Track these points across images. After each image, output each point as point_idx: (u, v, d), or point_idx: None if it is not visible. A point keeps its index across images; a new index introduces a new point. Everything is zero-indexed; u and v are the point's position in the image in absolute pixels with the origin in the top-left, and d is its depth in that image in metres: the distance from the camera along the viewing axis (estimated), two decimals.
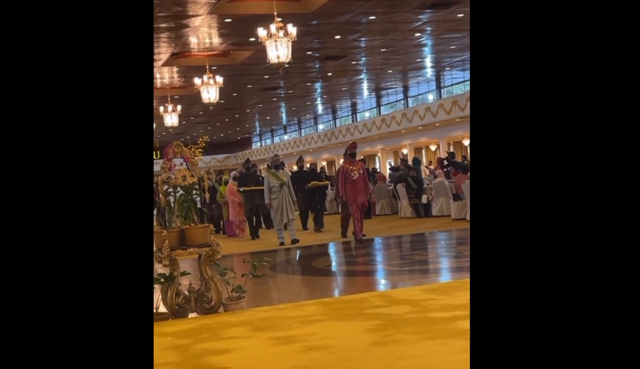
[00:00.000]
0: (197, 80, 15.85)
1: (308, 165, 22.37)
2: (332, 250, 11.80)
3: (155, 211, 6.77)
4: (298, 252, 11.45)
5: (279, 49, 11.35)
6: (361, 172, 11.41)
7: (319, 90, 25.04)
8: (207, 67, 15.76)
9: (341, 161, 20.68)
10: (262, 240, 13.90)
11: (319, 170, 18.77)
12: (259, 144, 42.57)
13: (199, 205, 6.64)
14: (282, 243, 12.38)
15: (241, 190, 14.47)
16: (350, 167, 11.41)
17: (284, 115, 32.76)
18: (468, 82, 24.64)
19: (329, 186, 17.49)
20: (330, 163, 35.57)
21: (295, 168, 16.26)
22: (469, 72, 23.14)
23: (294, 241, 12.38)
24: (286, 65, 11.83)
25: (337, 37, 15.27)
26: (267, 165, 14.13)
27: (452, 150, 26.00)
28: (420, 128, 26.74)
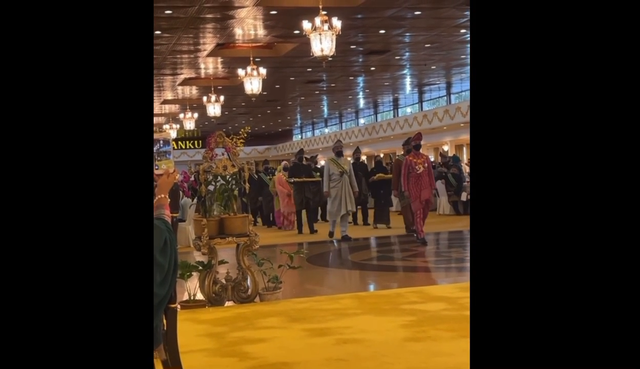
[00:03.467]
0: (240, 71, 15.90)
1: (381, 155, 21.94)
2: (371, 244, 11.77)
3: (196, 200, 6.83)
4: (337, 245, 11.42)
5: (323, 42, 11.31)
6: (426, 165, 10.51)
7: (361, 84, 24.94)
8: (251, 59, 15.81)
9: (390, 154, 20.61)
10: (315, 232, 13.25)
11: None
12: (299, 137, 42.62)
13: (239, 195, 6.67)
14: (331, 235, 11.77)
15: (292, 181, 13.82)
16: (415, 160, 10.48)
17: (325, 109, 32.72)
18: None
19: None
20: (370, 157, 35.49)
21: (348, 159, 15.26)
22: None
23: (345, 238, 11.65)
24: (329, 59, 11.79)
25: (382, 31, 15.19)
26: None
27: None
28: (462, 125, 26.49)
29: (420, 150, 10.90)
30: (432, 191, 10.85)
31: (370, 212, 15.12)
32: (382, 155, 21.06)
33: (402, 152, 12.34)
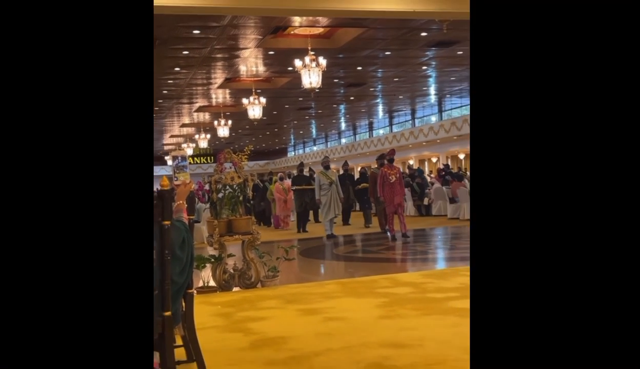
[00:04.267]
0: (244, 100, 15.92)
1: (359, 168, 21.98)
2: (352, 240, 11.74)
3: (209, 204, 6.81)
4: (325, 241, 11.40)
5: (311, 76, 11.33)
6: (397, 176, 10.53)
7: (342, 111, 24.96)
8: (253, 90, 15.83)
9: (366, 167, 20.60)
10: (306, 232, 13.14)
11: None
12: (292, 153, 42.57)
13: (244, 200, 6.65)
14: (329, 236, 11.58)
15: (293, 188, 13.76)
16: (389, 171, 10.54)
17: (313, 130, 32.72)
18: (465, 107, 24.47)
19: None
20: (350, 170, 35.45)
21: (335, 171, 15.03)
22: (465, 98, 23.00)
23: (331, 236, 11.63)
24: (317, 90, 11.80)
25: (359, 68, 15.24)
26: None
27: (449, 162, 25.89)
28: (424, 143, 26.63)
29: (393, 163, 10.91)
30: (403, 196, 10.80)
31: (353, 215, 15.10)
32: (360, 168, 21.01)
33: (376, 166, 12.30)
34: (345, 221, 14.79)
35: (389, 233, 10.86)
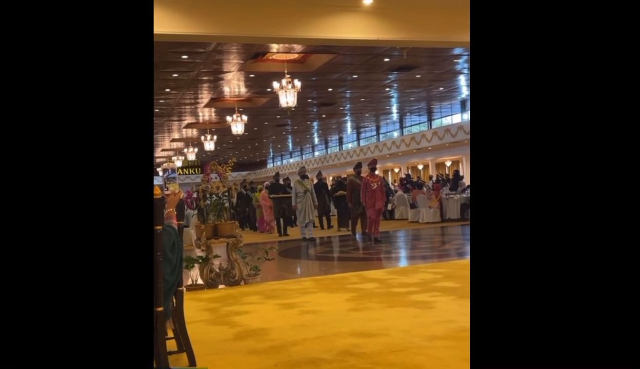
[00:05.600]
0: (228, 118, 15.86)
1: (331, 178, 21.99)
2: (326, 242, 11.74)
3: (196, 211, 6.77)
4: (303, 243, 11.37)
5: (287, 97, 11.34)
6: (379, 183, 10.17)
7: (315, 127, 25.03)
8: (236, 109, 15.78)
9: (338, 177, 20.56)
10: (287, 235, 13.01)
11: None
12: (271, 165, 42.46)
13: (229, 207, 6.62)
14: (304, 238, 11.46)
15: (271, 197, 13.61)
16: (371, 179, 10.19)
17: (290, 144, 32.70)
18: (423, 123, 24.73)
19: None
20: (323, 179, 35.39)
21: (313, 180, 14.85)
22: (423, 116, 23.24)
23: (311, 239, 11.53)
24: (293, 109, 11.82)
25: (330, 89, 15.30)
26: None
27: (409, 172, 26.14)
28: (387, 156, 26.80)
29: (375, 172, 10.74)
30: (383, 202, 10.64)
31: (333, 219, 15.10)
32: (332, 178, 21.06)
33: (353, 173, 12.16)
34: (328, 225, 14.78)
35: (357, 236, 10.89)
